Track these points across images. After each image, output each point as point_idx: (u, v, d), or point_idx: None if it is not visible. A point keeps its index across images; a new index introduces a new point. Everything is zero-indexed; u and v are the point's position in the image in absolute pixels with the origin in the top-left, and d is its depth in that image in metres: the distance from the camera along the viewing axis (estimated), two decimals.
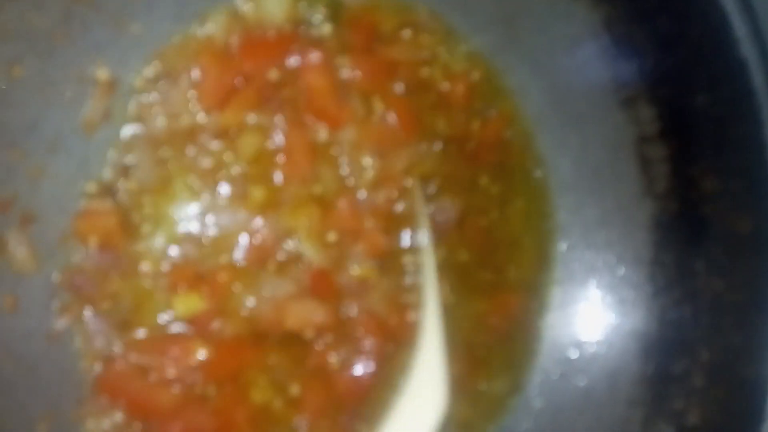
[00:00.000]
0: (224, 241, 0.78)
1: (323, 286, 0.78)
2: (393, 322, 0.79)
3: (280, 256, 0.78)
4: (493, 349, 0.83)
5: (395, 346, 0.79)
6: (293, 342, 0.77)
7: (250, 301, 0.77)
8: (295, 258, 0.78)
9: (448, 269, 0.81)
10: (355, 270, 0.79)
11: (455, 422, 0.81)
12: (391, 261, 0.80)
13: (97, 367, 0.75)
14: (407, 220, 0.81)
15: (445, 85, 0.82)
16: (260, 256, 0.78)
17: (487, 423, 0.83)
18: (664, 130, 0.77)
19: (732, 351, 0.72)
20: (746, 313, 0.71)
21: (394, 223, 0.81)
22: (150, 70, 0.78)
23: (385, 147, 0.80)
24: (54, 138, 0.74)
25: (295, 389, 0.78)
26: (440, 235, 0.81)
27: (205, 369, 0.75)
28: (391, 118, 0.80)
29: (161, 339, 0.75)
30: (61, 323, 0.74)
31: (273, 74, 0.80)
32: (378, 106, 0.81)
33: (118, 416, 0.74)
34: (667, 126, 0.77)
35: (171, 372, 0.74)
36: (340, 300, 0.78)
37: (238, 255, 0.78)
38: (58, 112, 0.74)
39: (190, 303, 0.76)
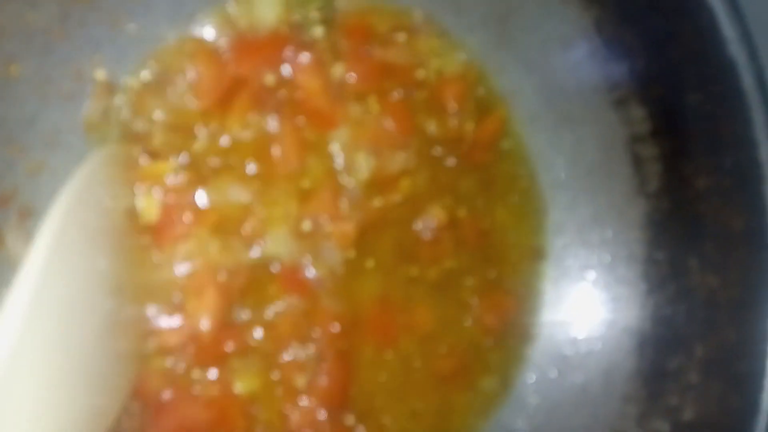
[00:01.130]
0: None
1: (293, 282, 0.78)
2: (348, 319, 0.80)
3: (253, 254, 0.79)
4: (488, 348, 0.84)
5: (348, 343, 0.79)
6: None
7: None
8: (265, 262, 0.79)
9: (441, 275, 0.82)
10: (322, 266, 0.80)
11: (450, 420, 0.82)
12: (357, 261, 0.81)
13: None
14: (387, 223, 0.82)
15: (439, 87, 0.83)
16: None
17: (482, 420, 0.83)
18: (656, 130, 0.78)
19: (727, 347, 0.73)
20: (740, 309, 0.72)
21: (373, 223, 0.81)
22: (146, 71, 0.78)
23: (380, 148, 0.80)
24: (52, 134, 0.75)
25: (276, 375, 0.78)
26: (430, 242, 0.82)
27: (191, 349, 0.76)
28: (387, 120, 0.81)
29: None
30: None
31: (269, 78, 0.80)
32: (374, 107, 0.81)
33: None
34: (658, 125, 0.78)
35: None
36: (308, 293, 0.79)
37: None
38: (56, 109, 0.75)
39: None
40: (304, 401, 0.78)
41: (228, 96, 0.79)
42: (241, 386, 0.77)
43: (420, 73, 0.83)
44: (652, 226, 0.80)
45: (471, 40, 0.83)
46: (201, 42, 0.79)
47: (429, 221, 0.82)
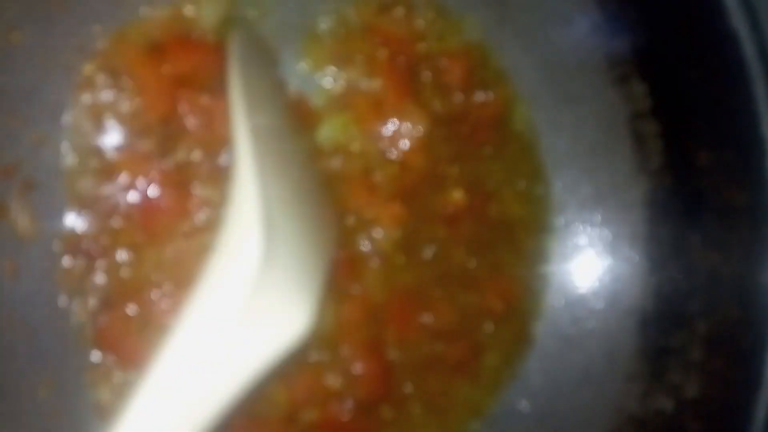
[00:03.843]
0: None
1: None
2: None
3: None
4: (493, 331, 0.83)
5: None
6: None
7: None
8: None
9: (445, 262, 0.81)
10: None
11: (458, 404, 0.81)
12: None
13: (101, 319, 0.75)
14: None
15: (443, 64, 0.82)
16: None
17: (487, 402, 0.82)
18: (657, 106, 0.78)
19: (729, 323, 0.72)
20: (743, 284, 0.72)
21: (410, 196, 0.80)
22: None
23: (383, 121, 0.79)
24: (55, 107, 0.75)
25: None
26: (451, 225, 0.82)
27: None
28: (381, 86, 0.79)
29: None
30: (63, 299, 0.74)
31: None
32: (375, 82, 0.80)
33: (120, 376, 0.74)
34: (659, 102, 0.78)
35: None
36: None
37: None
38: (58, 81, 0.74)
39: None
40: (349, 403, 0.78)
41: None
42: None
43: (422, 47, 0.81)
44: (654, 203, 0.79)
45: (471, 18, 0.83)
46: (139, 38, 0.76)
47: (448, 203, 0.82)
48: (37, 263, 0.73)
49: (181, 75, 0.76)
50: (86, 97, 0.74)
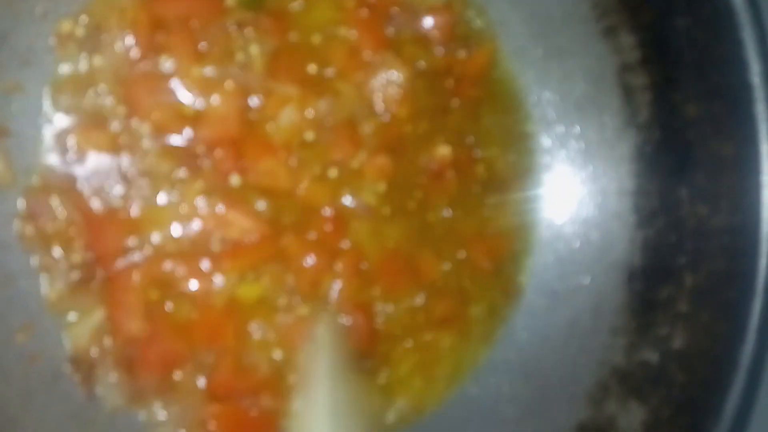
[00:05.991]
0: None
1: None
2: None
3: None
4: (481, 287, 0.83)
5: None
6: None
7: None
8: None
9: (431, 218, 0.82)
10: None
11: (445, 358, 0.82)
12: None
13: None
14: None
15: (426, 19, 0.81)
16: None
17: (475, 356, 0.83)
18: (646, 57, 0.77)
19: (716, 275, 0.72)
20: (730, 237, 0.71)
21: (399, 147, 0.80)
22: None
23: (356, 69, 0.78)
24: (26, 53, 0.75)
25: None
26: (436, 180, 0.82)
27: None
28: (352, 35, 0.78)
29: None
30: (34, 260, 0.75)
31: None
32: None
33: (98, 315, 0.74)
34: (648, 53, 0.77)
35: None
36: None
37: None
38: (29, 27, 0.74)
39: None
40: None
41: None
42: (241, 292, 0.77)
43: None
44: (642, 157, 0.79)
45: None
46: None
47: (434, 158, 0.81)
48: (12, 210, 0.74)
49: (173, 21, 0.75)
50: (66, 53, 0.75)
